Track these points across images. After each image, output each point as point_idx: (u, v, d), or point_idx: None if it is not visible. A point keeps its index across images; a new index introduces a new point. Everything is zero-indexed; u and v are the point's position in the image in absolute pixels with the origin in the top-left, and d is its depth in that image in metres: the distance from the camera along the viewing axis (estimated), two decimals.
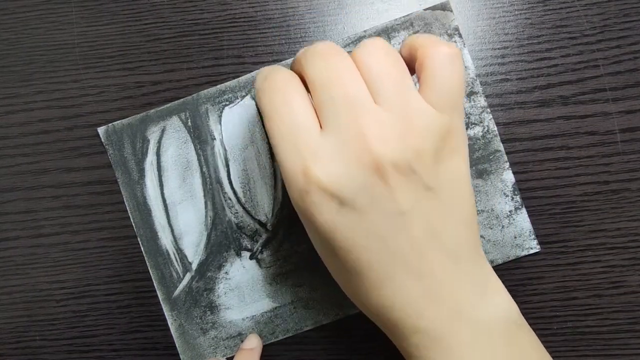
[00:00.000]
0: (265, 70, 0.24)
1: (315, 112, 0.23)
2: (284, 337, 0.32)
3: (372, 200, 0.22)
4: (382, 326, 0.24)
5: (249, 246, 0.32)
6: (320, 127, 0.22)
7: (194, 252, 0.32)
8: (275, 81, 0.23)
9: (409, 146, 0.22)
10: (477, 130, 0.31)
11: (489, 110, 0.31)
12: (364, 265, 0.23)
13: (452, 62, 0.23)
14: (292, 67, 0.25)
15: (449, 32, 0.32)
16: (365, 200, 0.22)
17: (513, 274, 0.31)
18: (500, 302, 0.24)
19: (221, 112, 0.32)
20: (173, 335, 0.32)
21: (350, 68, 0.23)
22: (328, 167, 0.22)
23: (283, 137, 0.22)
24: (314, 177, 0.22)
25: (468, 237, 0.24)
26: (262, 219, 0.32)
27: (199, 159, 0.32)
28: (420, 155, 0.22)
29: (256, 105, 0.32)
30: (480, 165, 0.31)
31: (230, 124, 0.32)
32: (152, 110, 0.32)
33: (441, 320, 0.23)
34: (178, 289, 0.32)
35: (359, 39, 0.32)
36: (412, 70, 0.24)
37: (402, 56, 0.24)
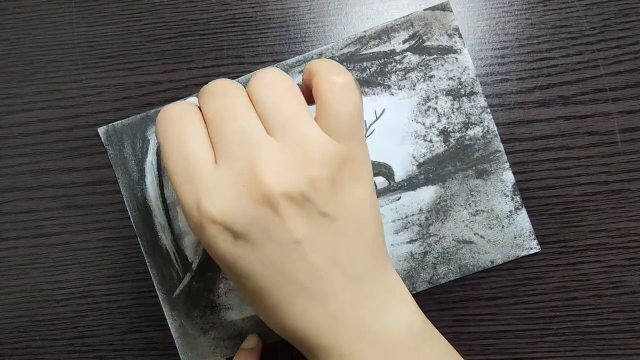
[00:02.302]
0: (166, 106, 0.25)
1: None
2: None
3: (265, 231, 0.22)
4: (294, 344, 0.25)
5: None
6: (216, 161, 0.23)
7: (194, 252, 0.32)
8: (171, 114, 0.24)
9: (302, 176, 0.22)
10: (477, 130, 0.31)
11: (489, 110, 0.31)
12: (265, 291, 0.23)
13: (344, 92, 0.23)
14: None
15: (449, 32, 0.32)
16: (258, 232, 0.22)
17: (513, 274, 0.31)
18: (404, 316, 0.24)
19: None
20: (173, 335, 0.32)
21: (243, 103, 0.23)
22: (220, 201, 0.22)
23: (177, 170, 0.23)
24: (206, 212, 0.22)
25: (370, 259, 0.24)
26: None
27: None
28: (314, 184, 0.22)
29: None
30: (480, 165, 0.31)
31: None
32: (152, 110, 0.32)
33: (346, 340, 0.23)
34: (178, 289, 0.32)
35: (359, 39, 0.32)
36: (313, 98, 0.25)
37: (304, 83, 0.25)
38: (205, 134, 0.23)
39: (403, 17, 0.32)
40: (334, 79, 0.23)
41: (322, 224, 0.23)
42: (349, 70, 0.32)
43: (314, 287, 0.23)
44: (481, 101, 0.31)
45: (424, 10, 0.32)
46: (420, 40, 0.32)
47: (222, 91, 0.23)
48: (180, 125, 0.23)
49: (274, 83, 0.23)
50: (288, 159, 0.22)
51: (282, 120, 0.23)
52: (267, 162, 0.22)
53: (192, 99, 0.25)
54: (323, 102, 0.23)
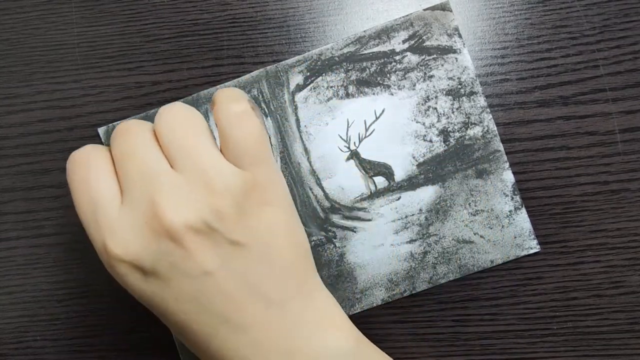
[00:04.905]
0: (73, 152, 0.25)
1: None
2: None
3: (173, 266, 0.22)
4: None
5: None
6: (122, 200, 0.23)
7: None
8: (77, 159, 0.24)
9: (204, 206, 0.22)
10: (477, 130, 0.31)
11: (489, 110, 0.31)
12: (183, 326, 0.23)
13: (240, 121, 0.23)
14: None
15: (448, 32, 0.32)
16: (167, 268, 0.22)
17: (513, 274, 0.31)
18: (333, 341, 0.24)
19: None
20: (173, 335, 0.32)
21: (146, 141, 0.23)
22: (125, 240, 0.22)
23: (84, 215, 0.23)
24: (113, 253, 0.22)
25: (292, 283, 0.24)
26: None
27: None
28: (220, 214, 0.22)
29: None
30: (480, 165, 0.31)
31: None
32: (152, 110, 0.32)
33: None
34: None
35: (358, 39, 0.32)
36: None
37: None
38: (112, 175, 0.23)
39: (403, 17, 0.32)
40: (230, 108, 0.23)
41: (233, 253, 0.23)
42: (348, 70, 0.32)
43: (233, 317, 0.23)
44: (481, 101, 0.31)
45: (424, 10, 0.32)
46: (420, 40, 0.32)
47: (126, 130, 0.24)
48: (86, 170, 0.23)
49: (175, 116, 0.23)
50: (189, 190, 0.22)
51: (182, 152, 0.23)
52: (166, 196, 0.22)
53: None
54: (222, 131, 0.24)
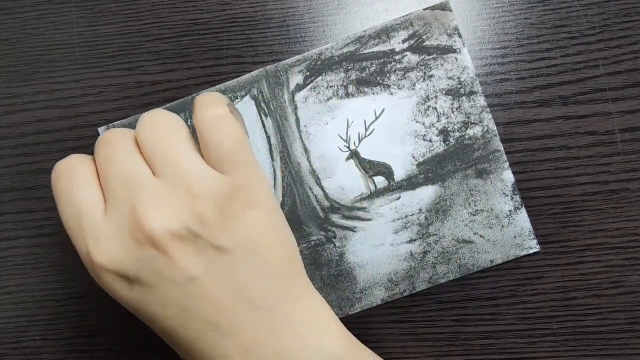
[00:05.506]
0: (58, 162, 0.25)
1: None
2: None
3: (158, 273, 0.22)
4: None
5: None
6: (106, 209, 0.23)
7: None
8: (60, 170, 0.24)
9: (186, 212, 0.22)
10: (477, 130, 0.31)
11: (489, 110, 0.31)
12: (171, 332, 0.23)
13: (217, 125, 0.23)
14: None
15: (448, 32, 0.32)
16: (151, 275, 0.22)
17: (513, 274, 0.31)
18: (324, 341, 0.24)
19: None
20: None
21: (127, 148, 0.23)
22: (108, 249, 0.22)
23: (69, 225, 0.23)
24: (97, 262, 0.22)
25: (281, 286, 0.24)
26: None
27: None
28: (202, 219, 0.22)
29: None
30: (480, 165, 0.31)
31: None
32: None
33: None
34: None
35: (358, 39, 0.32)
36: None
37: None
38: (96, 184, 0.24)
39: (403, 17, 0.32)
40: (208, 113, 0.23)
41: (218, 257, 0.23)
42: (348, 69, 0.32)
43: (221, 322, 0.23)
44: (481, 101, 0.31)
45: (424, 10, 0.32)
46: (420, 40, 0.32)
47: (109, 139, 0.24)
48: (69, 180, 0.23)
49: (155, 123, 0.23)
50: (170, 197, 0.22)
51: (162, 158, 0.23)
52: (148, 203, 0.22)
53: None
54: (201, 136, 0.23)
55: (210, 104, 0.24)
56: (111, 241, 0.22)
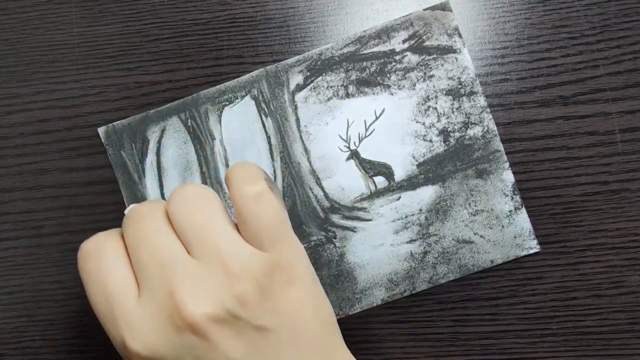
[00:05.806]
0: (84, 242, 0.24)
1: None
2: None
3: (197, 358, 0.21)
4: None
5: None
6: (139, 292, 0.22)
7: None
8: (88, 250, 0.23)
9: (225, 293, 0.21)
10: (477, 130, 0.31)
11: (489, 110, 0.31)
12: None
13: (256, 202, 0.22)
14: None
15: (448, 32, 0.32)
16: None
17: (513, 274, 0.31)
18: None
19: (221, 112, 0.32)
20: None
21: (160, 227, 0.22)
22: (144, 337, 0.21)
23: (100, 310, 0.22)
24: (132, 350, 0.21)
25: (321, 355, 0.23)
26: None
27: (198, 159, 0.32)
28: (242, 300, 0.22)
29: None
30: (480, 165, 0.31)
31: (230, 124, 0.32)
32: (152, 111, 0.32)
33: None
34: None
35: (358, 39, 0.32)
36: None
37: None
38: (126, 264, 0.23)
39: (403, 16, 0.32)
40: (246, 190, 0.22)
41: (259, 338, 0.22)
42: (348, 69, 0.32)
43: None
44: (481, 101, 0.31)
45: (424, 10, 0.32)
46: (420, 40, 0.32)
47: (139, 215, 0.23)
48: (98, 262, 0.22)
49: (188, 198, 0.22)
50: (208, 278, 0.21)
51: (198, 236, 0.22)
52: (185, 286, 0.21)
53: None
54: (239, 213, 0.23)
55: (247, 181, 0.23)
56: (146, 326, 0.21)
